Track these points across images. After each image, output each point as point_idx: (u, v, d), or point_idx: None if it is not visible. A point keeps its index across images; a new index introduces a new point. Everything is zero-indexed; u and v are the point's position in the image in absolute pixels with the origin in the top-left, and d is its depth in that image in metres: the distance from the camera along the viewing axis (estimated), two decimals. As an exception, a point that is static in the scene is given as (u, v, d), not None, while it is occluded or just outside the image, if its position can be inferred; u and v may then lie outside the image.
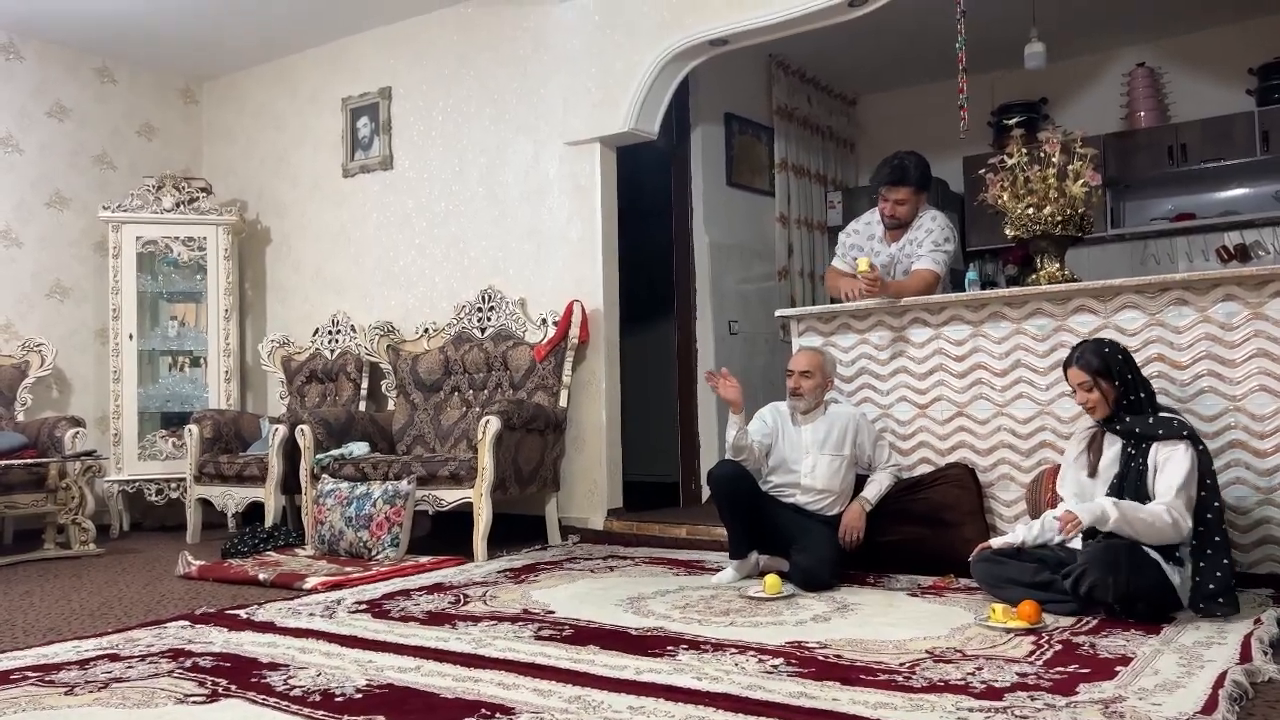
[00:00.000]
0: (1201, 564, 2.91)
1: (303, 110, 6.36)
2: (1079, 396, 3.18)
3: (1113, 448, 3.11)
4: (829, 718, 2.07)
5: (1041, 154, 3.89)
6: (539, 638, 2.90)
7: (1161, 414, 3.06)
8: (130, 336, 5.95)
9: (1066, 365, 3.22)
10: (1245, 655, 2.48)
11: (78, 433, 5.24)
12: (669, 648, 2.73)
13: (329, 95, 6.23)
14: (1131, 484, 3.01)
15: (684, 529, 4.82)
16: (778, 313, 4.68)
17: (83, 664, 2.69)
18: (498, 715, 2.15)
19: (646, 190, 6.03)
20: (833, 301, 4.41)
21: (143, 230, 6.01)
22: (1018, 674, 2.39)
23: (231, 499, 5.39)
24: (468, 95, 5.66)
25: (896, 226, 4.24)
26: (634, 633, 2.93)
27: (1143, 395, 3.10)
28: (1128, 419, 3.07)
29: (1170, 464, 2.94)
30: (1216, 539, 2.91)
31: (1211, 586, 2.89)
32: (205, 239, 6.11)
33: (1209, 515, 2.93)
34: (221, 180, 6.58)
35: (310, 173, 6.32)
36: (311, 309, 6.22)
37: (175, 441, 5.94)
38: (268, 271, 6.52)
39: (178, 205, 6.09)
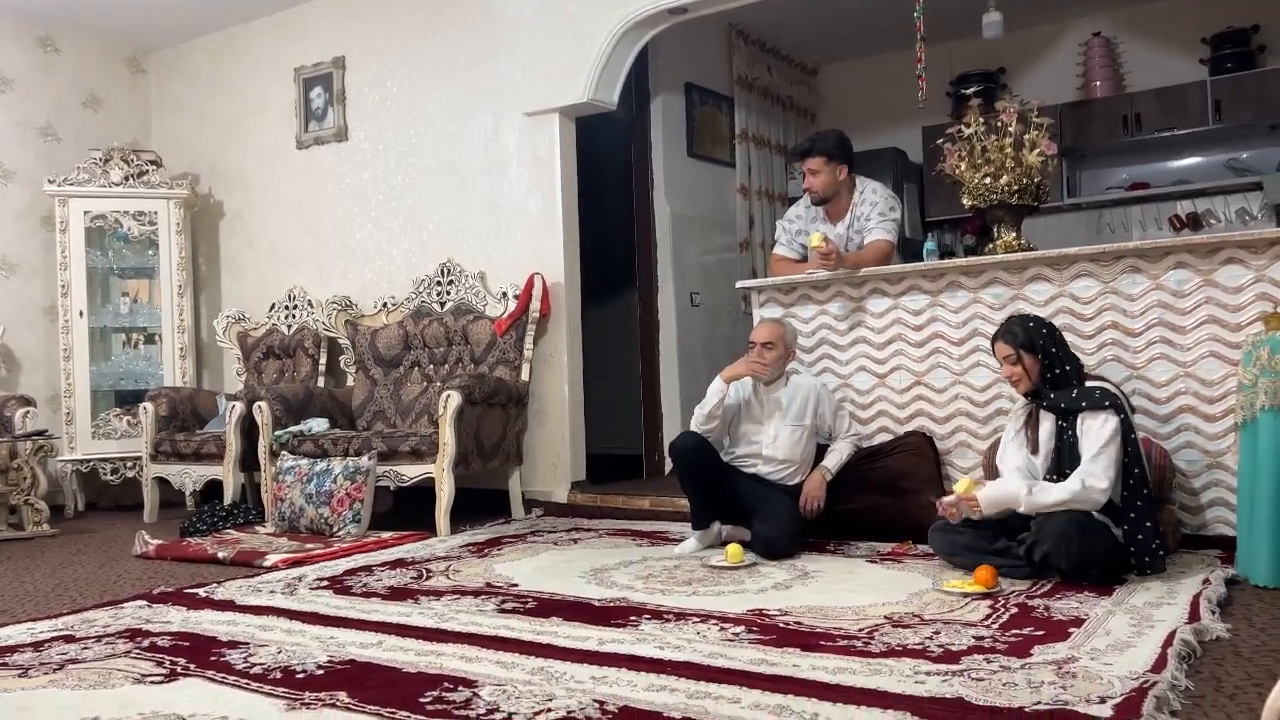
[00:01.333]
0: (1126, 526, 2.98)
1: (254, 81, 6.23)
2: (1004, 370, 3.25)
3: (1047, 423, 3.17)
4: (789, 684, 2.10)
5: (999, 124, 3.91)
6: (502, 611, 2.90)
7: (1087, 384, 3.11)
8: (81, 313, 5.83)
9: (994, 340, 3.28)
10: (1194, 615, 2.54)
11: (28, 412, 5.13)
12: (632, 618, 2.75)
13: (281, 65, 6.10)
14: (1066, 456, 3.08)
15: (647, 501, 4.83)
16: (739, 284, 4.69)
17: (37, 646, 2.65)
18: (460, 688, 2.15)
19: (607, 162, 6.00)
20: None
21: (91, 204, 5.88)
22: (974, 637, 2.43)
23: (189, 477, 5.32)
24: (424, 65, 5.58)
25: (819, 202, 4.28)
26: (597, 604, 2.94)
27: (1068, 369, 3.15)
28: (1054, 394, 3.13)
29: (1090, 433, 3.01)
30: (1139, 503, 2.98)
31: (1135, 548, 2.97)
32: (156, 213, 5.99)
33: (1131, 480, 2.99)
34: (171, 153, 6.43)
35: (263, 145, 6.20)
36: (267, 284, 6.12)
37: (130, 420, 5.85)
38: (221, 246, 6.40)
39: (126, 179, 5.96)
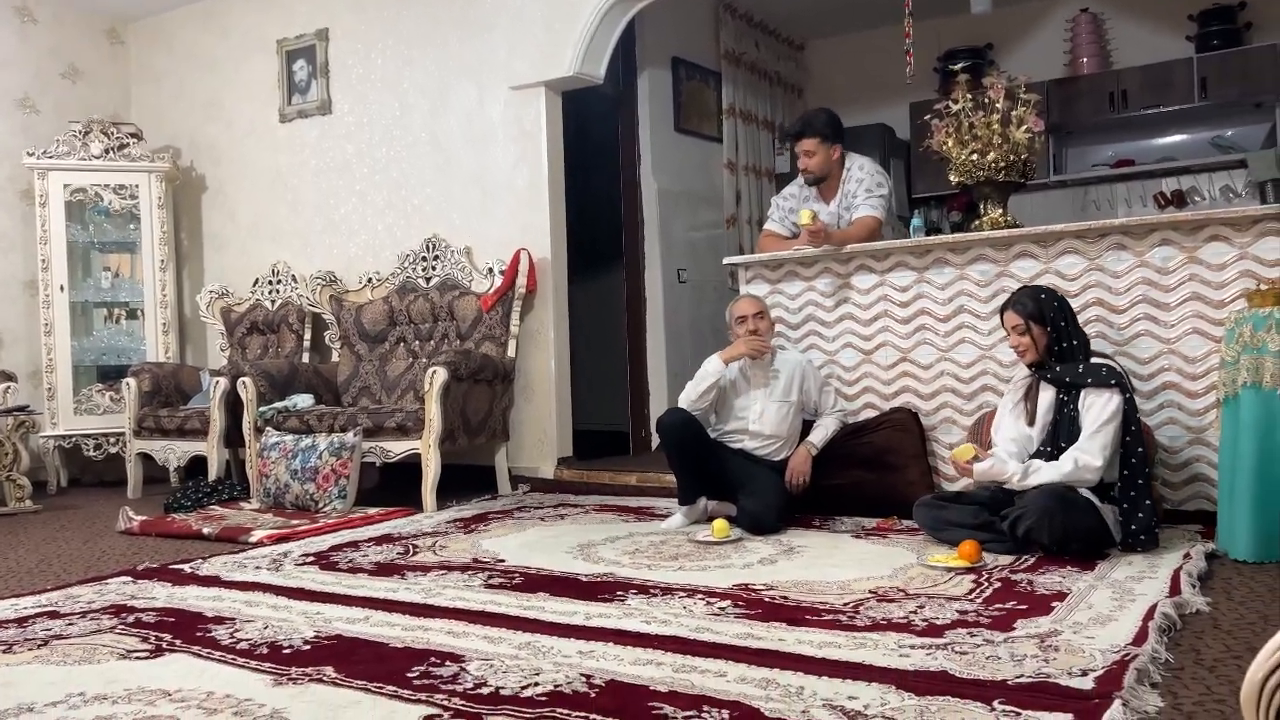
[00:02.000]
0: (1125, 505, 3.00)
1: (235, 52, 6.15)
2: (1012, 340, 3.25)
3: (1047, 395, 3.18)
4: (775, 658, 2.11)
5: (986, 100, 3.91)
6: (489, 586, 2.90)
7: (1093, 361, 3.12)
8: (61, 288, 5.77)
9: (1003, 309, 3.28)
10: (1174, 589, 2.57)
11: (9, 387, 5.09)
12: (618, 593, 2.76)
13: (262, 37, 6.02)
14: (1064, 430, 3.08)
15: (634, 476, 4.84)
16: (726, 260, 4.68)
17: (21, 622, 2.64)
18: (448, 663, 2.16)
19: (593, 137, 5.96)
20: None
21: (71, 178, 5.81)
22: (958, 611, 2.45)
23: (173, 453, 5.29)
24: (408, 37, 5.52)
25: (814, 182, 4.28)
26: (584, 579, 2.95)
27: (1075, 343, 3.15)
28: (1059, 367, 3.13)
29: (1092, 410, 3.02)
30: (1139, 482, 3.00)
31: (1134, 526, 2.99)
32: (137, 187, 5.92)
33: (1133, 460, 3.01)
34: (152, 125, 6.36)
35: (245, 118, 6.13)
36: (250, 259, 6.07)
37: (113, 395, 5.81)
38: (203, 220, 6.34)
39: (107, 152, 5.88)
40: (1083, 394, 3.05)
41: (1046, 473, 2.99)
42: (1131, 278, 3.58)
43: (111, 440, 5.75)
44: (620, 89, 5.81)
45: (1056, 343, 3.14)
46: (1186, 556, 2.93)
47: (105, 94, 6.46)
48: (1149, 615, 2.32)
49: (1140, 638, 2.16)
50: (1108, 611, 2.39)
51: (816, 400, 3.95)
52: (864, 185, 4.18)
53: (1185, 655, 2.11)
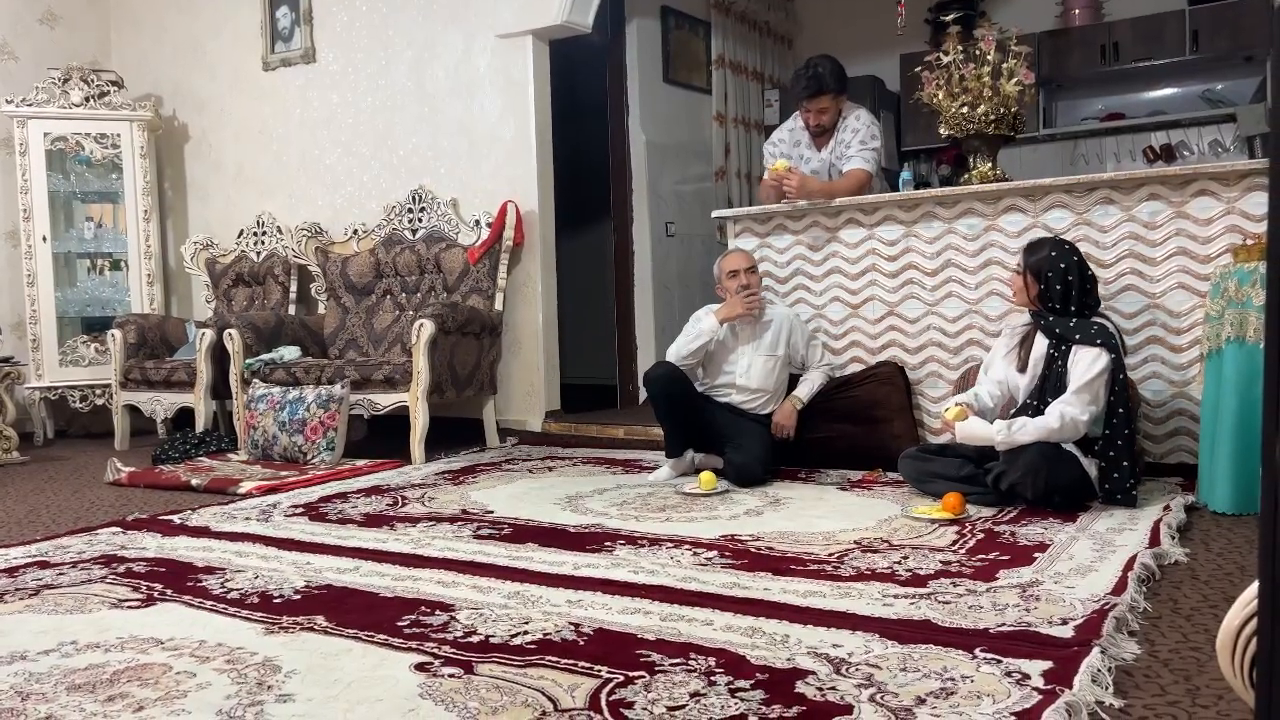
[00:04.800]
0: (1104, 464, 3.03)
1: (218, -2, 6.04)
2: (1009, 276, 3.26)
3: (1040, 345, 3.19)
4: (761, 606, 2.14)
5: (977, 52, 3.88)
6: (478, 537, 2.93)
7: (1089, 319, 3.12)
8: (44, 238, 5.71)
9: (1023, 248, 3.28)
10: (1154, 540, 2.61)
11: (-7, 339, 5.06)
12: (606, 543, 2.78)
13: (245, -18, 5.91)
14: (1053, 383, 3.10)
15: (621, 430, 4.86)
16: (715, 214, 4.66)
17: (11, 572, 2.65)
18: (438, 612, 2.18)
19: (581, 88, 5.90)
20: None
21: (51, 126, 5.72)
22: (941, 562, 2.48)
23: (160, 405, 5.28)
24: (393, -16, 5.42)
25: (823, 133, 4.23)
26: (572, 530, 2.98)
27: (1070, 305, 3.13)
28: (1053, 319, 3.14)
29: (1079, 365, 3.03)
30: (1120, 442, 3.02)
31: (1109, 485, 3.03)
32: (119, 136, 5.84)
33: (1115, 420, 3.03)
34: (133, 73, 6.25)
35: (228, 66, 6.03)
36: (235, 210, 6.01)
37: (98, 347, 5.78)
38: (187, 170, 6.26)
39: (87, 100, 5.79)
40: (1073, 349, 3.07)
41: (1032, 430, 3.01)
42: (1119, 232, 3.59)
43: (98, 392, 5.73)
44: (608, 39, 5.73)
45: (1045, 298, 3.15)
46: (1166, 509, 2.97)
47: (84, 41, 6.34)
48: (1129, 566, 2.36)
49: (1119, 588, 2.20)
50: (1088, 562, 2.43)
51: (804, 354, 3.96)
52: (859, 136, 4.14)
53: (1163, 605, 2.15)
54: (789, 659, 1.83)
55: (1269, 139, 3.42)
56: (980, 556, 2.52)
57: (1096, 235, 3.62)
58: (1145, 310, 3.55)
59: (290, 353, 4.90)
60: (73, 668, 1.91)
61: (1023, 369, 3.23)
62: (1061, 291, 3.12)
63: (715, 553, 2.64)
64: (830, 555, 2.58)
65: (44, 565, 2.72)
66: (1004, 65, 3.82)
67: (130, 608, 2.31)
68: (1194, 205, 3.46)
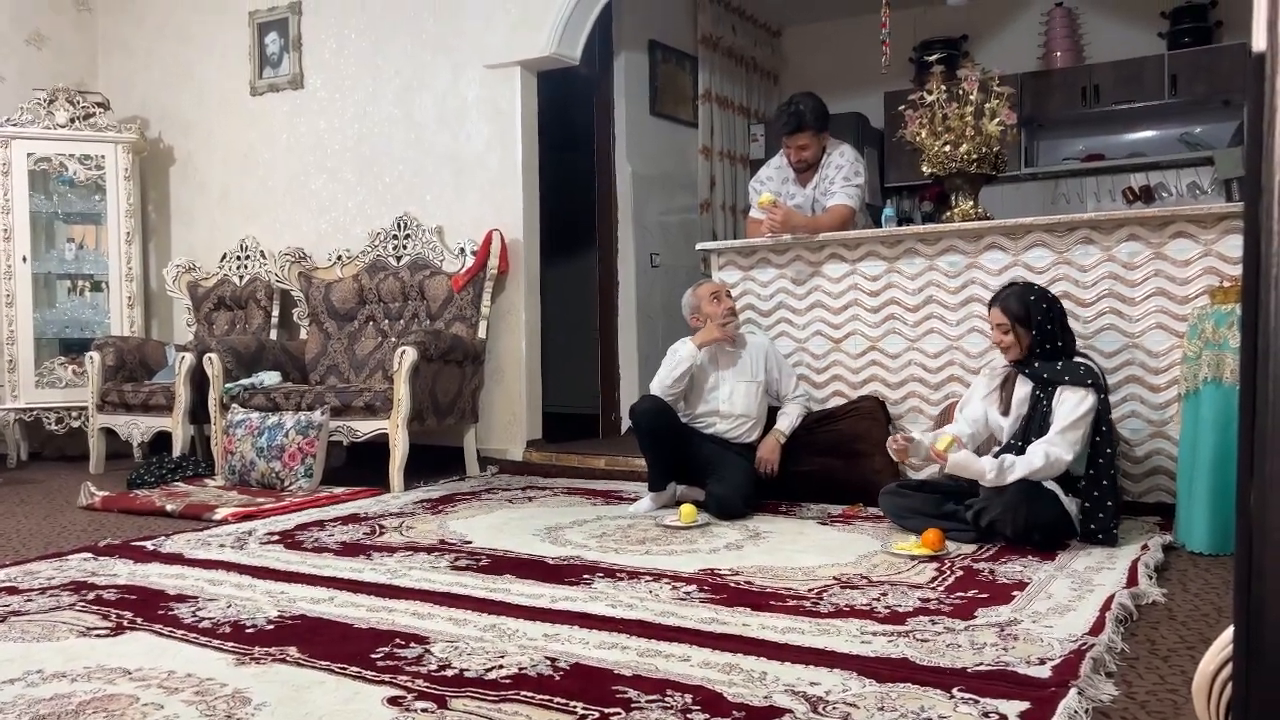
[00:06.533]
0: (1088, 504, 3.04)
1: (207, 23, 6.05)
2: (995, 336, 3.24)
3: (1024, 389, 3.20)
4: (739, 642, 2.13)
5: (960, 92, 3.93)
6: (455, 568, 2.90)
7: (1074, 360, 3.14)
8: (24, 259, 5.67)
9: (990, 303, 3.26)
10: (1132, 579, 2.62)
11: (-31, 359, 5.00)
12: (585, 576, 2.76)
13: (235, 8, 5.92)
14: (1037, 424, 3.11)
15: (603, 460, 4.85)
16: (699, 246, 4.68)
17: (-22, 598, 2.61)
18: (412, 645, 2.15)
19: (568, 119, 5.93)
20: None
21: (35, 146, 5.69)
22: (920, 599, 2.48)
23: (137, 428, 5.23)
24: (383, 12, 5.45)
25: (806, 169, 4.28)
26: (550, 562, 2.96)
27: (1060, 345, 3.15)
28: (1038, 364, 3.15)
29: (1065, 405, 3.04)
30: (1104, 482, 3.03)
31: (1093, 525, 3.03)
32: (103, 157, 5.82)
33: (1100, 460, 3.04)
34: (120, 95, 6.24)
35: (216, 90, 6.04)
36: (218, 233, 5.99)
37: (75, 369, 5.72)
38: (171, 193, 6.25)
39: (72, 121, 5.77)
40: (1058, 390, 3.08)
41: (1020, 468, 3.00)
42: (1098, 271, 3.62)
43: (74, 414, 5.67)
44: (596, 71, 5.77)
45: (1040, 344, 3.15)
46: (1144, 548, 2.98)
47: (71, 62, 6.33)
48: (1106, 605, 2.36)
49: (1097, 628, 2.19)
50: (1066, 601, 2.43)
51: (779, 382, 3.96)
52: (843, 172, 4.19)
53: (1141, 645, 2.15)
54: (766, 697, 1.82)
55: (1245, 183, 3.47)
56: (959, 594, 2.52)
57: (1076, 274, 3.65)
58: (1124, 349, 3.57)
59: (270, 378, 4.87)
60: (37, 698, 1.87)
61: (1005, 411, 3.23)
62: (1053, 332, 3.14)
63: (694, 587, 2.63)
64: (809, 591, 2.57)
65: (12, 591, 2.68)
66: (986, 105, 3.87)
67: (99, 636, 2.27)
68: (1172, 246, 3.50)
